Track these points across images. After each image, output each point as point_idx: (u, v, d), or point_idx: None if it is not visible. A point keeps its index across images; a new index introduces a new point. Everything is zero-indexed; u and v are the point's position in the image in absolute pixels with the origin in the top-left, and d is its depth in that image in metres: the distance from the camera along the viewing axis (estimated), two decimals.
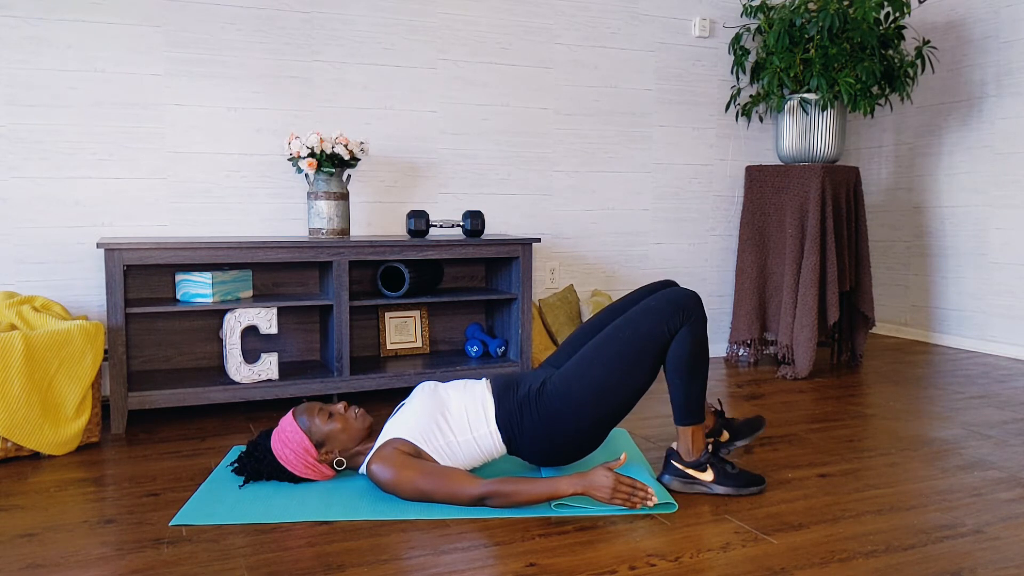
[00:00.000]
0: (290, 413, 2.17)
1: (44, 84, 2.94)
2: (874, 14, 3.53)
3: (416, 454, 2.06)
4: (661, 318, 2.08)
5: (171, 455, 2.46)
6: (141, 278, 3.06)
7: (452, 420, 2.11)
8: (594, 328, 2.31)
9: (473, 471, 2.28)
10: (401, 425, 2.10)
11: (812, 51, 3.63)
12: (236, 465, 2.21)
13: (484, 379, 2.24)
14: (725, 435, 2.38)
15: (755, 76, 3.99)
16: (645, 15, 3.88)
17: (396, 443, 2.06)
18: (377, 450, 2.07)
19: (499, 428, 2.11)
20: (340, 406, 2.17)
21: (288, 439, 2.11)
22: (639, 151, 3.93)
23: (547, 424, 2.10)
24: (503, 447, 2.13)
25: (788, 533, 1.90)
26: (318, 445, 2.13)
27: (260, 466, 2.15)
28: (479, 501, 1.98)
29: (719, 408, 2.42)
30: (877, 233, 4.78)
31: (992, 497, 2.14)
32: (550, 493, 1.95)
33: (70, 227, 3.01)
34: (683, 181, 4.04)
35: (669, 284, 2.36)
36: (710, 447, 2.18)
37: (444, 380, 3.11)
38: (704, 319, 2.11)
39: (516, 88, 3.65)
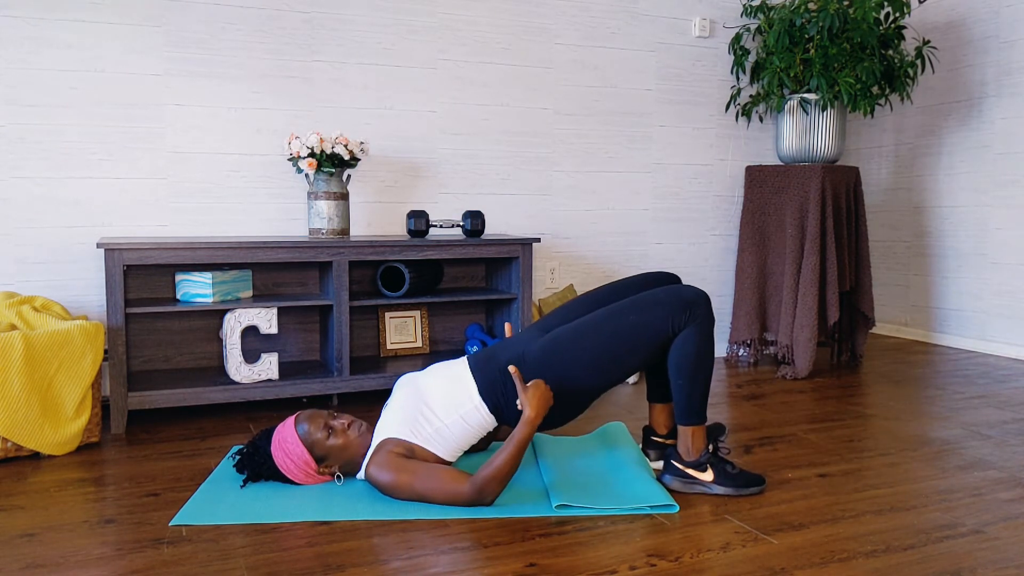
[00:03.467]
0: (291, 422, 2.14)
1: (44, 84, 2.94)
2: (874, 14, 3.53)
3: (410, 452, 2.06)
4: (668, 313, 2.08)
5: (171, 455, 2.46)
6: (141, 278, 3.06)
7: (435, 405, 2.11)
8: (591, 303, 2.30)
9: (472, 449, 2.36)
10: (389, 424, 2.11)
11: (812, 51, 3.63)
12: (237, 459, 2.22)
13: (463, 358, 2.25)
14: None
15: (755, 76, 3.99)
16: (645, 15, 3.88)
17: (388, 444, 2.07)
18: (373, 455, 2.07)
19: (484, 400, 2.11)
20: (343, 422, 2.15)
21: (289, 450, 2.11)
22: (639, 151, 3.93)
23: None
24: (492, 418, 2.13)
25: (788, 533, 1.90)
26: (319, 460, 2.13)
27: (260, 469, 2.15)
28: (477, 496, 1.97)
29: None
30: (877, 233, 4.78)
31: (992, 497, 2.14)
32: (522, 438, 1.98)
33: (70, 227, 3.01)
34: (683, 181, 4.04)
35: (671, 277, 2.34)
36: (710, 447, 2.18)
37: None
38: (711, 320, 2.10)
39: (516, 88, 3.65)
